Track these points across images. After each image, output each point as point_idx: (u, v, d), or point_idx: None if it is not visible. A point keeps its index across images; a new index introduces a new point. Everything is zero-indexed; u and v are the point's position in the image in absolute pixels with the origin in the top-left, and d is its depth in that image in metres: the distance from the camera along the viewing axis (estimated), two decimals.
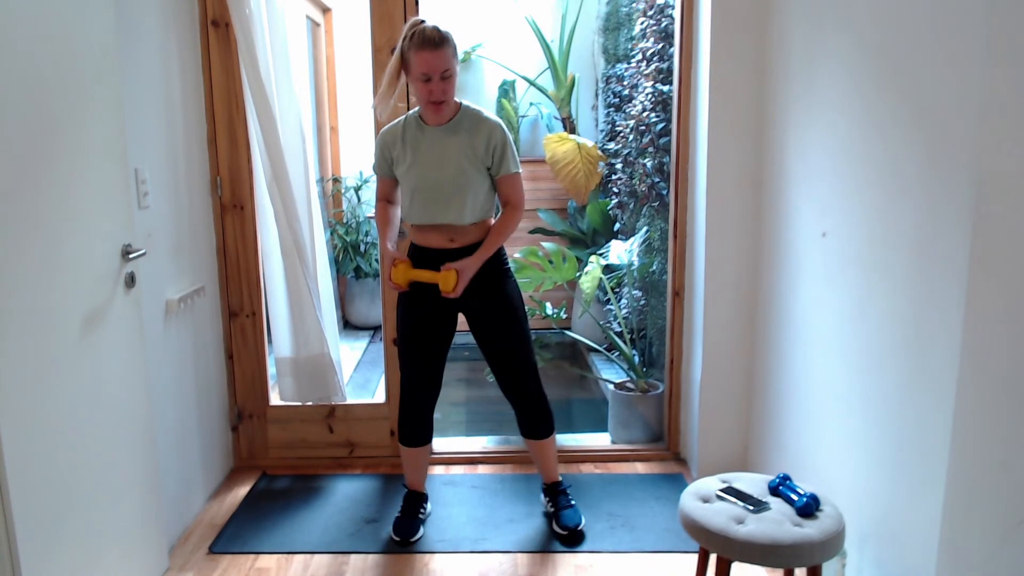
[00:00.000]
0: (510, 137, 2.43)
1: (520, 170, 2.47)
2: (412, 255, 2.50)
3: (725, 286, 2.85)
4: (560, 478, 2.74)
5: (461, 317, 2.56)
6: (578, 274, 3.78)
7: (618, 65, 4.78)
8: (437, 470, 3.09)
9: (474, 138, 2.38)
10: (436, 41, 2.24)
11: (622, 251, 3.79)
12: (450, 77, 2.29)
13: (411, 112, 2.48)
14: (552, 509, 2.67)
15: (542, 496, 2.75)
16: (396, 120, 2.49)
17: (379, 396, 3.64)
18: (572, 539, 2.57)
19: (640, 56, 3.93)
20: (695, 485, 2.01)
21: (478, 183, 2.40)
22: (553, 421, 2.66)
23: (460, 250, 2.44)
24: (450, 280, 2.36)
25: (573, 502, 2.67)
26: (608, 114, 4.89)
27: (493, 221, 2.51)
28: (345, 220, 5.43)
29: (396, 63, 2.36)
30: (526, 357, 2.57)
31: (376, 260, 5.31)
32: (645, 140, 3.83)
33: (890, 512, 1.88)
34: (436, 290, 2.42)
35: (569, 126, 5.22)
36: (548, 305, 3.91)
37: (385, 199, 2.57)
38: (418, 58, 2.25)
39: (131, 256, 2.09)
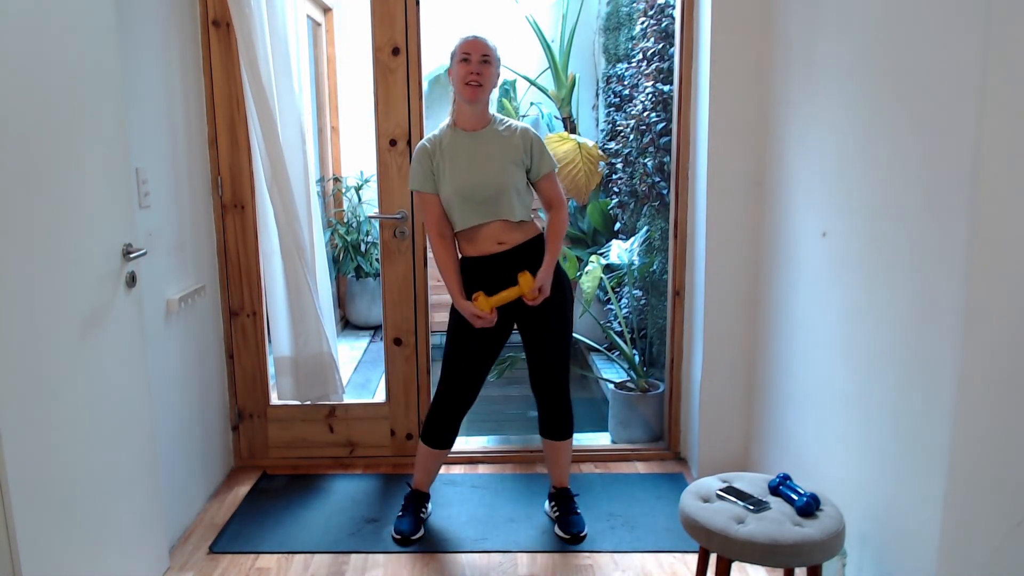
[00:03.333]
0: (543, 140, 2.53)
1: (557, 167, 2.58)
2: (465, 269, 2.51)
3: (725, 286, 2.85)
4: (569, 485, 2.74)
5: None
6: (579, 273, 3.78)
7: (619, 65, 4.78)
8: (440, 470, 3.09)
9: (511, 138, 2.48)
10: (481, 35, 2.44)
11: (622, 251, 3.79)
12: (488, 63, 2.41)
13: (442, 126, 2.52)
14: (557, 514, 2.66)
15: (548, 502, 2.74)
16: (428, 136, 2.52)
17: (379, 396, 3.64)
18: (573, 541, 2.57)
19: (641, 56, 3.93)
20: (695, 485, 2.01)
21: (519, 180, 2.47)
22: (573, 425, 2.67)
23: (510, 252, 2.46)
24: (529, 281, 2.40)
25: (579, 511, 2.67)
26: (609, 114, 4.89)
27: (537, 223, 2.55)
28: (346, 220, 5.43)
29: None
30: (566, 364, 2.61)
31: (377, 260, 5.31)
32: (646, 140, 3.83)
33: (890, 512, 1.88)
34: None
35: (570, 126, 5.22)
36: None
37: (439, 232, 2.49)
38: (462, 44, 2.43)
39: (132, 256, 2.10)
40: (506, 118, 2.54)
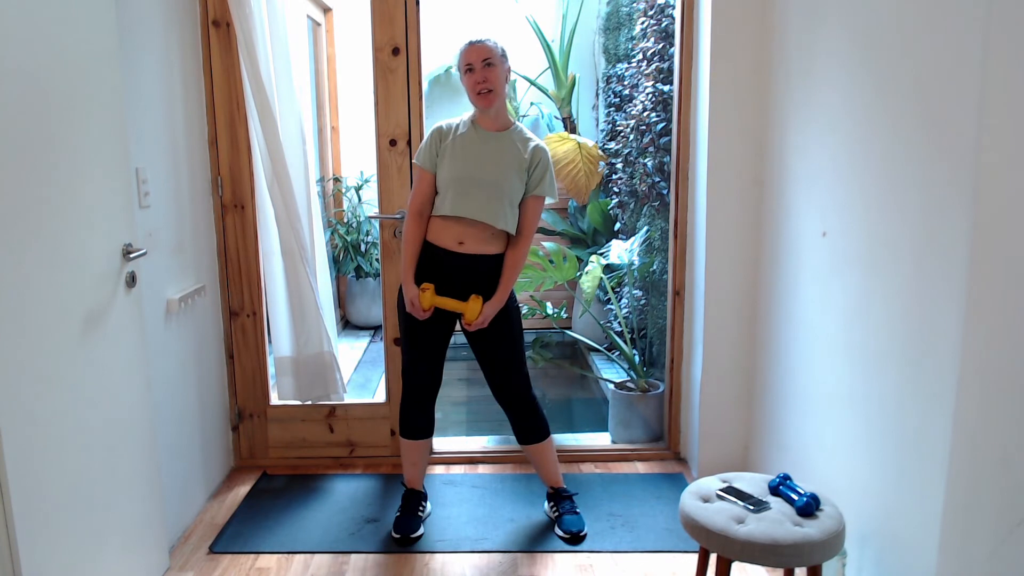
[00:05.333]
0: (553, 168, 2.52)
1: (553, 200, 2.56)
2: (422, 252, 2.50)
3: (725, 286, 2.85)
4: (564, 484, 2.74)
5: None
6: (578, 274, 3.78)
7: (619, 65, 4.78)
8: (437, 470, 3.09)
9: (524, 150, 2.47)
10: (478, 38, 2.42)
11: (622, 251, 3.79)
12: (492, 66, 2.40)
13: (465, 117, 2.53)
14: (556, 514, 2.66)
15: (547, 503, 2.74)
16: (449, 120, 2.53)
17: (379, 396, 3.65)
18: (573, 540, 2.58)
19: (640, 56, 3.93)
20: (695, 485, 2.01)
21: (516, 191, 2.46)
22: (547, 425, 2.67)
23: (467, 257, 2.46)
24: (475, 309, 2.42)
25: (578, 510, 2.67)
26: (609, 114, 4.89)
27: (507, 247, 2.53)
28: (346, 220, 5.43)
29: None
30: (521, 368, 2.60)
31: (377, 260, 5.31)
32: (645, 140, 3.83)
33: (890, 512, 1.88)
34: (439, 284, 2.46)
35: (570, 126, 5.22)
36: (548, 305, 3.91)
37: (418, 210, 2.49)
38: (463, 55, 2.42)
39: (132, 256, 2.10)
40: (528, 132, 2.53)
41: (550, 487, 2.73)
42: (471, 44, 2.41)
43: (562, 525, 2.61)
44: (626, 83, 4.49)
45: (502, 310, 2.50)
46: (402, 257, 2.52)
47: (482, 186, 2.42)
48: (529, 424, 2.63)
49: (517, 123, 2.54)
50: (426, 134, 2.54)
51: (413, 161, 2.53)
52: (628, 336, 3.59)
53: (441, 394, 2.68)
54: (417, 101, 2.96)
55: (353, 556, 2.51)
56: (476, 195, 2.42)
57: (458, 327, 2.58)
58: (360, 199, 5.46)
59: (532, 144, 2.49)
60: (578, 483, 2.92)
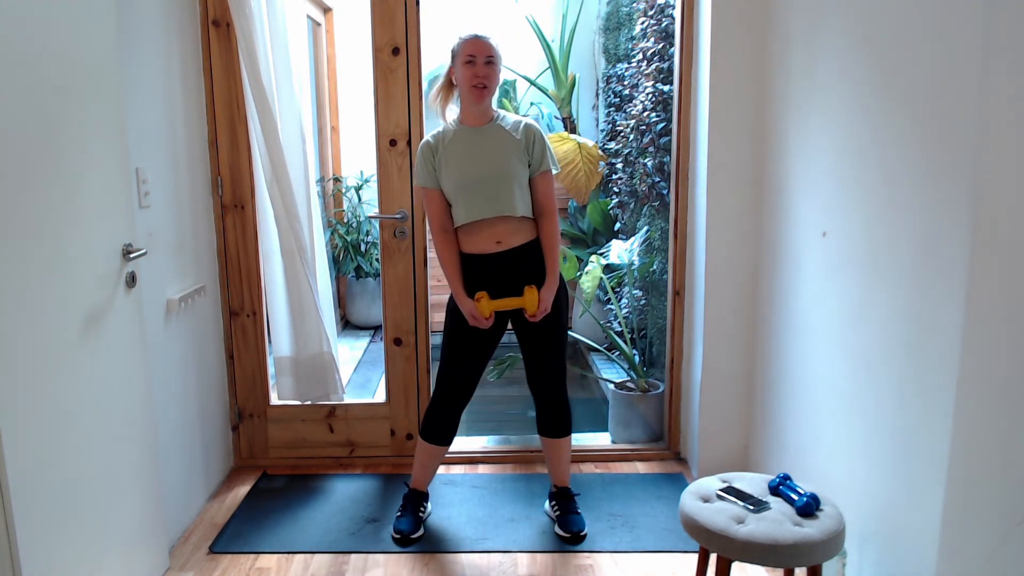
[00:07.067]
0: (548, 139, 2.53)
1: (557, 171, 2.55)
2: (464, 266, 2.50)
3: (725, 286, 2.85)
4: (570, 484, 2.74)
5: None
6: (579, 274, 3.78)
7: (619, 65, 4.79)
8: (438, 470, 3.09)
9: (514, 133, 2.47)
10: (482, 33, 2.44)
11: (622, 251, 3.79)
12: (493, 64, 2.41)
13: (447, 122, 2.53)
14: (558, 513, 2.66)
15: (548, 502, 2.74)
16: (432, 132, 2.53)
17: (379, 396, 3.64)
18: (573, 540, 2.58)
19: (640, 56, 3.93)
20: (695, 485, 2.01)
21: (521, 174, 2.46)
22: (571, 423, 2.67)
23: (507, 253, 2.45)
24: (534, 299, 2.42)
25: (579, 510, 2.67)
26: (609, 114, 4.89)
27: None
28: (346, 220, 5.43)
29: (446, 75, 2.52)
30: (562, 363, 2.61)
31: (377, 260, 5.31)
32: (645, 140, 3.83)
33: (890, 512, 1.88)
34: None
35: (570, 126, 5.22)
36: None
37: (441, 227, 2.49)
38: (465, 45, 2.43)
39: (132, 256, 2.10)
40: (510, 114, 2.54)
41: (556, 485, 2.72)
42: (476, 37, 2.42)
43: (563, 525, 2.61)
44: (626, 83, 4.49)
45: (556, 306, 2.51)
46: (446, 275, 2.50)
47: (487, 181, 2.42)
48: (556, 416, 2.63)
49: (497, 111, 2.52)
50: (417, 153, 2.51)
51: (416, 184, 2.53)
52: (628, 336, 3.59)
53: None
54: (417, 101, 2.96)
55: (353, 556, 2.51)
56: (485, 192, 2.42)
57: (508, 327, 2.58)
58: (360, 199, 5.46)
59: (521, 124, 2.48)
60: (578, 483, 2.92)
